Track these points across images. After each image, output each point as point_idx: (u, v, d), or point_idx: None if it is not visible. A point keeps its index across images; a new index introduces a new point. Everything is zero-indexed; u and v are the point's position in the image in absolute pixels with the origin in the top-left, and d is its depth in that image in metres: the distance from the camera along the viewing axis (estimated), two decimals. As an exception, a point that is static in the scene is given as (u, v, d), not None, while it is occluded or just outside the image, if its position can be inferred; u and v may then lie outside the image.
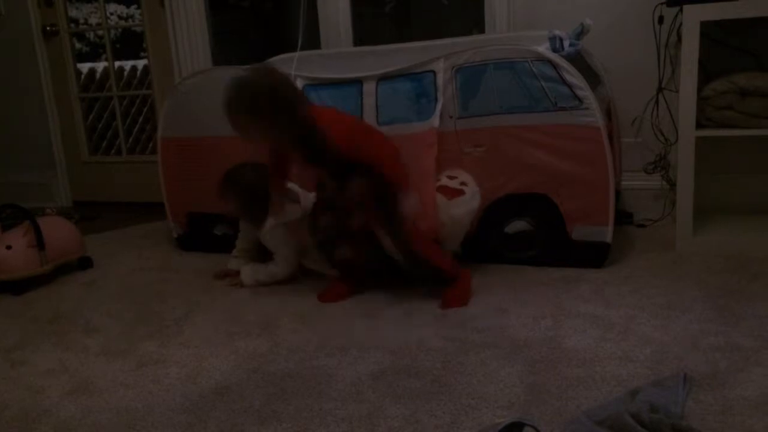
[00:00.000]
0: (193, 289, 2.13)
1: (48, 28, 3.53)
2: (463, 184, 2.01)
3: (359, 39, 3.10)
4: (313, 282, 2.09)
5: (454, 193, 1.98)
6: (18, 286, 2.17)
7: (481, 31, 2.87)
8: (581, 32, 2.17)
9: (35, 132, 3.65)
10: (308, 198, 2.11)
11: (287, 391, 1.43)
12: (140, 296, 2.11)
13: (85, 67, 4.44)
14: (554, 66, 1.97)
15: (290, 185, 2.11)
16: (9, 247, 2.16)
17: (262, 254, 2.22)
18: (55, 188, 3.71)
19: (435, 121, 2.07)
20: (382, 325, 1.75)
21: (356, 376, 1.47)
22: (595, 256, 2.05)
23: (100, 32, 3.89)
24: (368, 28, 3.39)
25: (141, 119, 4.11)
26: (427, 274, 1.88)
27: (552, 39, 2.05)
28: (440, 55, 2.12)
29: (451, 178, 2.02)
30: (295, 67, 2.32)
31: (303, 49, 2.52)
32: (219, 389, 1.46)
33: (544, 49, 2.02)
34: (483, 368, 1.46)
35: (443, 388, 1.39)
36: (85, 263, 2.43)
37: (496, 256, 2.15)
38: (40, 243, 2.20)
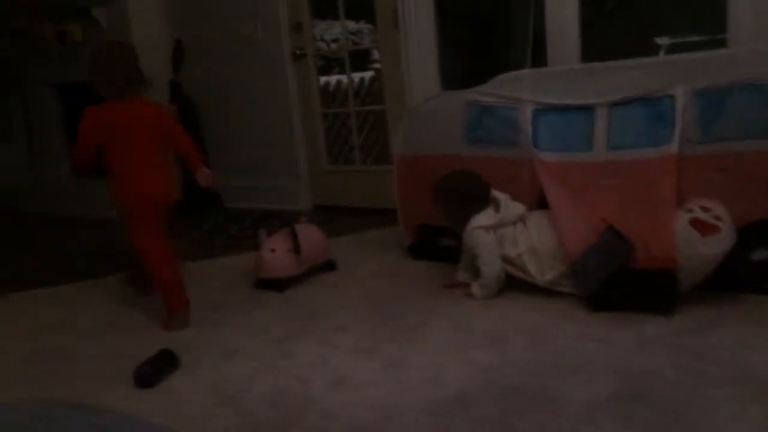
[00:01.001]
0: (425, 297, 2.31)
1: (297, 52, 3.98)
2: (717, 218, 1.91)
3: (584, 45, 3.08)
4: (533, 297, 2.16)
5: (708, 228, 1.90)
6: (280, 285, 2.52)
7: (719, 30, 2.72)
8: None
9: (283, 143, 4.15)
10: (511, 206, 2.23)
11: (522, 406, 1.53)
12: (379, 300, 2.34)
13: (320, 80, 4.88)
14: (815, 88, 1.83)
15: (496, 193, 2.26)
16: (273, 250, 2.52)
17: None
18: (299, 192, 4.17)
19: (674, 146, 2.03)
20: (614, 348, 1.77)
21: (589, 398, 1.52)
22: None
23: (333, 47, 4.29)
24: (590, 30, 3.35)
25: (372, 131, 4.44)
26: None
27: (811, 56, 1.90)
28: (679, 78, 2.07)
29: (705, 210, 1.94)
30: (524, 89, 2.40)
31: (529, 62, 2.60)
32: (457, 397, 1.60)
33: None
34: (725, 405, 1.43)
35: (681, 421, 1.39)
36: (330, 266, 2.73)
37: (740, 285, 2.04)
38: (296, 248, 2.53)
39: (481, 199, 2.28)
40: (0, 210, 5.11)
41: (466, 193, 2.30)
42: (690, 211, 1.94)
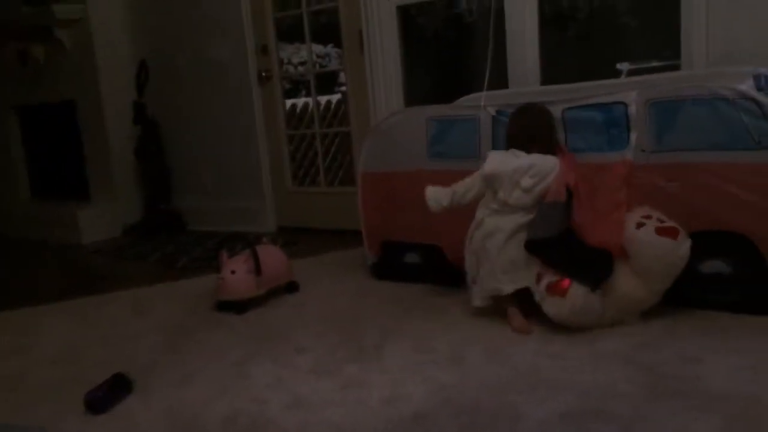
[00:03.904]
0: (386, 317, 2.30)
1: (263, 74, 3.99)
2: (662, 221, 1.98)
3: (545, 71, 3.14)
4: (492, 315, 2.15)
5: (672, 231, 1.95)
6: (240, 307, 2.49)
7: (676, 57, 2.81)
8: (789, 68, 2.06)
9: (248, 164, 4.14)
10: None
11: (478, 423, 1.53)
12: (340, 320, 2.32)
13: (287, 103, 4.90)
14: (758, 105, 1.90)
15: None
16: (233, 272, 2.50)
17: None
18: (263, 214, 4.15)
19: (629, 152, 2.08)
20: (570, 364, 1.78)
21: (545, 415, 1.53)
22: (805, 304, 1.92)
23: (300, 69, 4.31)
24: (551, 54, 3.43)
25: (337, 153, 4.44)
26: None
27: (756, 77, 1.97)
28: (632, 87, 2.14)
29: (648, 217, 1.98)
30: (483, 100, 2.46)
31: (490, 84, 2.64)
32: (416, 416, 1.59)
33: (747, 87, 1.95)
34: (675, 419, 1.45)
35: (634, 435, 1.41)
36: (292, 287, 2.71)
37: (688, 299, 2.08)
38: (257, 269, 2.51)
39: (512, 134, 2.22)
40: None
41: (534, 124, 2.21)
42: (641, 224, 1.97)
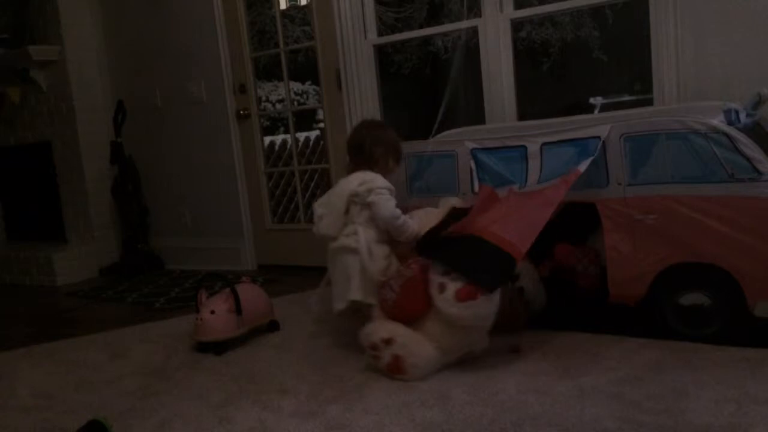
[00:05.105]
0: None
1: (242, 112, 3.99)
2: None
3: (521, 106, 3.19)
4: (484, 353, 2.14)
5: (470, 293, 1.90)
6: (220, 347, 2.44)
7: (647, 91, 2.87)
8: (758, 102, 2.11)
9: (228, 203, 4.11)
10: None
11: (465, 463, 1.51)
12: (321, 360, 2.29)
13: (265, 140, 4.91)
14: (730, 139, 1.94)
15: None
16: (213, 312, 2.46)
17: None
18: (242, 252, 4.11)
19: (583, 166, 2.11)
20: (555, 401, 1.77)
21: (532, 453, 1.51)
22: (783, 335, 1.94)
23: (278, 107, 4.31)
24: (527, 88, 3.48)
25: (316, 190, 4.45)
26: None
27: (727, 112, 2.01)
28: (607, 122, 2.18)
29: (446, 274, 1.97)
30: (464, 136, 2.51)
31: (468, 118, 2.68)
32: (401, 457, 1.57)
33: (718, 121, 2.00)
34: (663, 454, 1.44)
35: (622, 472, 1.39)
36: (273, 326, 2.68)
37: (669, 332, 2.09)
38: (238, 308, 2.48)
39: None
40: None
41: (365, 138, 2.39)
42: (442, 286, 1.94)
